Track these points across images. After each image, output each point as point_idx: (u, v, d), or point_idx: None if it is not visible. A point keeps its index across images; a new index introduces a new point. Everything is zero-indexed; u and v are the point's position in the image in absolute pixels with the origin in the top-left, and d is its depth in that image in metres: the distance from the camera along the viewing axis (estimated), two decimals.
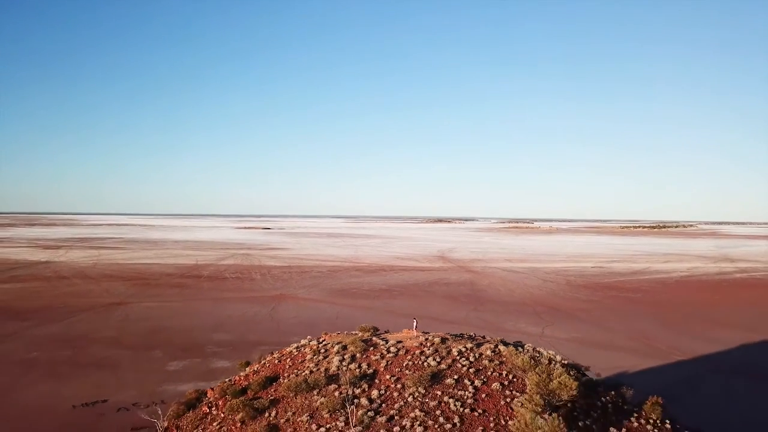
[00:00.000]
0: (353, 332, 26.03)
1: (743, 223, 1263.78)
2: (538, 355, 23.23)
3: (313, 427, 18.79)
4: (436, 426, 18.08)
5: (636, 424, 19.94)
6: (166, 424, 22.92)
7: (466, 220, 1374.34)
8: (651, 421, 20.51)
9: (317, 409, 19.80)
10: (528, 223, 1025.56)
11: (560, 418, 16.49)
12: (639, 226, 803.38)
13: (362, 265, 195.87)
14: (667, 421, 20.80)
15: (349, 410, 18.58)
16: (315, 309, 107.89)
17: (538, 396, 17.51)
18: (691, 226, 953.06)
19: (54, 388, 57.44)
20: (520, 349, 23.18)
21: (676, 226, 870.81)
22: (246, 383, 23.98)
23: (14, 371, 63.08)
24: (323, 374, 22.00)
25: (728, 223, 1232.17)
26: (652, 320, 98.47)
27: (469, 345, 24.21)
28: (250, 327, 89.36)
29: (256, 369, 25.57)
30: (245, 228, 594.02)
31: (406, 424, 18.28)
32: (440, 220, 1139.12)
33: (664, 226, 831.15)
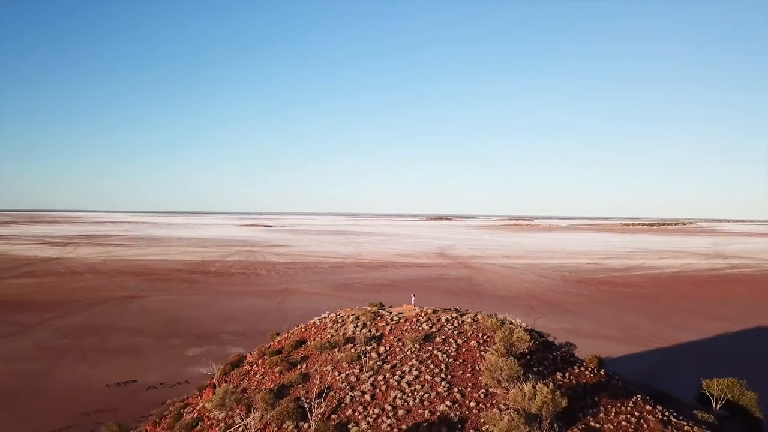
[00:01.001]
0: (364, 307, 31.60)
1: (743, 221, 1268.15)
2: (506, 321, 28.78)
3: (336, 373, 24.44)
4: (428, 371, 23.73)
5: (577, 371, 25.50)
6: (218, 374, 28.54)
7: (467, 217, 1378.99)
8: (590, 369, 26.12)
9: (338, 361, 25.45)
10: (528, 220, 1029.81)
11: (516, 361, 22.01)
12: (639, 224, 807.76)
13: (364, 261, 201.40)
14: (602, 371, 26.42)
15: (363, 361, 24.22)
16: (320, 302, 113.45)
17: (502, 347, 23.11)
18: (690, 223, 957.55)
19: (88, 370, 63.17)
20: (494, 318, 28.74)
21: (676, 224, 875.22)
22: (280, 346, 29.61)
23: (49, 356, 68.79)
24: (342, 337, 27.70)
25: (728, 221, 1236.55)
26: (640, 312, 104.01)
27: (454, 314, 29.89)
28: (260, 318, 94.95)
29: (286, 336, 31.25)
30: (247, 225, 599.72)
31: (405, 369, 23.95)
32: (441, 218, 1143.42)
33: (664, 224, 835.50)
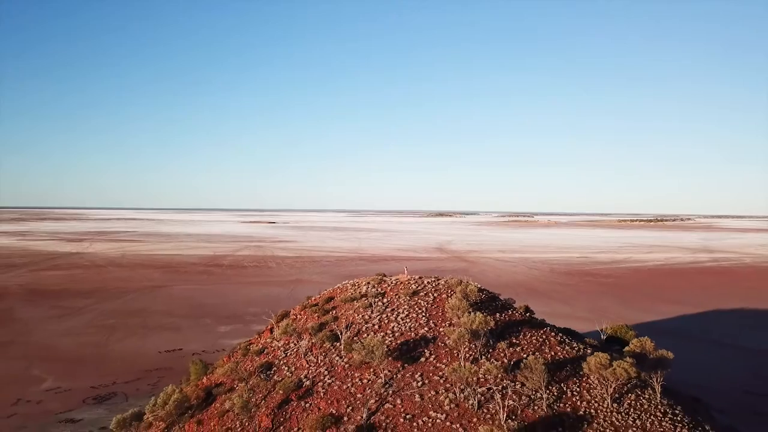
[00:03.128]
0: (372, 276, 44.09)
1: (742, 217, 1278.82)
2: (463, 281, 41.16)
3: (355, 315, 36.82)
4: (414, 312, 36.13)
5: (510, 313, 37.79)
6: (273, 321, 40.91)
7: (468, 214, 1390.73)
8: (519, 312, 38.49)
9: (357, 308, 37.76)
10: (528, 217, 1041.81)
11: (468, 303, 34.24)
12: (637, 220, 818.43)
13: (366, 255, 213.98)
14: (527, 314, 38.81)
15: (372, 307, 36.53)
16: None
17: (460, 295, 35.43)
18: (689, 219, 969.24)
19: (139, 342, 75.81)
20: (457, 279, 41.22)
21: (674, 220, 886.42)
22: (315, 302, 42.02)
23: (103, 332, 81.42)
24: (358, 293, 40.08)
25: (727, 217, 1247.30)
26: (614, 299, 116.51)
27: (433, 279, 42.42)
28: (276, 303, 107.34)
29: (318, 296, 43.76)
30: (251, 222, 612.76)
31: (399, 311, 36.30)
32: (441, 214, 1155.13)
33: (662, 220, 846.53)
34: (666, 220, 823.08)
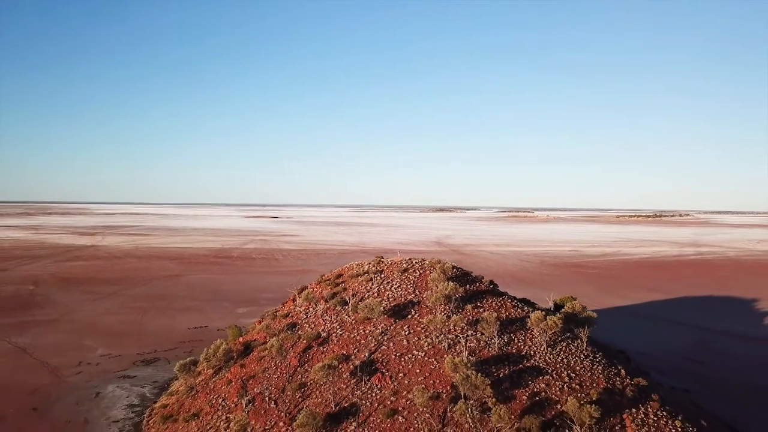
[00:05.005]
0: (372, 259, 55.05)
1: (744, 213, 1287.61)
2: (442, 260, 52.07)
3: (360, 286, 47.69)
4: (404, 283, 47.06)
5: (478, 284, 48.41)
6: (295, 293, 51.85)
7: (469, 209, 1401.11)
8: (485, 284, 49.27)
9: (360, 281, 48.48)
10: (528, 212, 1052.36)
11: (445, 277, 44.98)
12: (635, 216, 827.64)
13: (368, 248, 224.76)
14: (491, 286, 49.60)
15: (373, 281, 47.37)
16: None
17: (439, 271, 46.25)
18: (688, 215, 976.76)
19: (169, 320, 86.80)
20: (437, 260, 52.06)
21: (673, 216, 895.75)
22: (328, 278, 52.83)
23: (136, 313, 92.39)
24: (361, 270, 50.87)
25: (728, 213, 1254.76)
26: (594, 287, 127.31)
27: (420, 260, 53.24)
28: (287, 289, 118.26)
29: (330, 273, 54.62)
30: (254, 217, 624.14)
31: (393, 283, 47.11)
32: (442, 210, 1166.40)
33: (661, 216, 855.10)
34: (665, 216, 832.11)
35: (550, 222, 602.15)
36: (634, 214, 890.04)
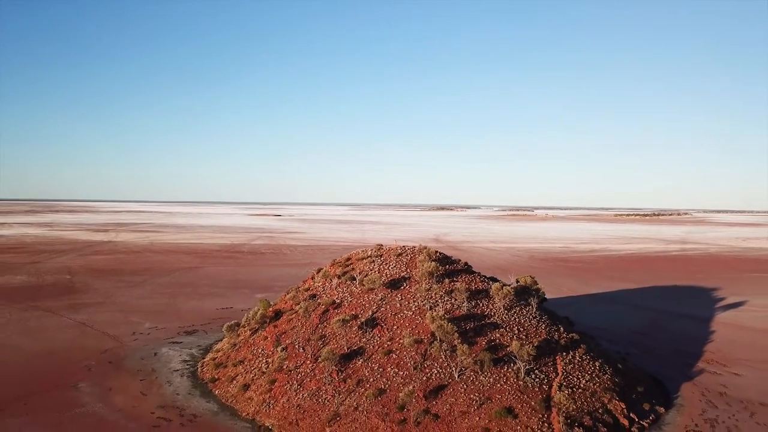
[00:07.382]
0: (374, 246, 68.70)
1: (742, 212, 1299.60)
2: (428, 247, 65.65)
3: (364, 267, 61.23)
4: (398, 264, 60.62)
5: (456, 265, 61.79)
6: (316, 270, 65.62)
7: (469, 208, 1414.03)
8: (461, 265, 62.80)
9: (365, 263, 61.83)
10: (528, 211, 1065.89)
11: (430, 259, 58.20)
12: (633, 214, 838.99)
13: (369, 244, 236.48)
14: (465, 265, 63.19)
15: (375, 263, 60.99)
16: None
17: (425, 254, 59.55)
18: (685, 214, 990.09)
19: (198, 303, 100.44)
20: (422, 246, 65.76)
21: (670, 215, 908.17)
22: (339, 261, 66.51)
23: (168, 297, 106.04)
24: (366, 255, 64.43)
25: (727, 212, 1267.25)
26: (574, 278, 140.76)
27: (411, 246, 66.95)
28: (297, 279, 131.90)
29: (341, 257, 68.48)
30: (258, 215, 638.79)
31: (390, 264, 60.71)
32: (442, 208, 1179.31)
33: (658, 214, 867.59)
34: (662, 215, 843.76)
35: (548, 221, 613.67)
36: (633, 213, 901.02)
